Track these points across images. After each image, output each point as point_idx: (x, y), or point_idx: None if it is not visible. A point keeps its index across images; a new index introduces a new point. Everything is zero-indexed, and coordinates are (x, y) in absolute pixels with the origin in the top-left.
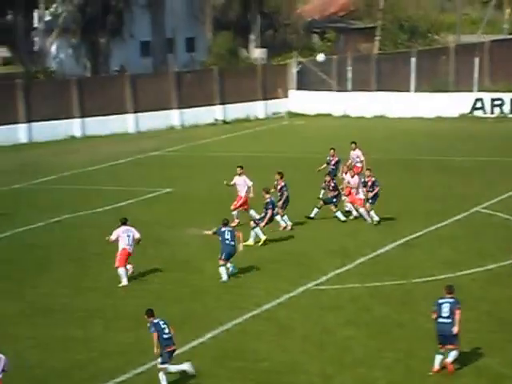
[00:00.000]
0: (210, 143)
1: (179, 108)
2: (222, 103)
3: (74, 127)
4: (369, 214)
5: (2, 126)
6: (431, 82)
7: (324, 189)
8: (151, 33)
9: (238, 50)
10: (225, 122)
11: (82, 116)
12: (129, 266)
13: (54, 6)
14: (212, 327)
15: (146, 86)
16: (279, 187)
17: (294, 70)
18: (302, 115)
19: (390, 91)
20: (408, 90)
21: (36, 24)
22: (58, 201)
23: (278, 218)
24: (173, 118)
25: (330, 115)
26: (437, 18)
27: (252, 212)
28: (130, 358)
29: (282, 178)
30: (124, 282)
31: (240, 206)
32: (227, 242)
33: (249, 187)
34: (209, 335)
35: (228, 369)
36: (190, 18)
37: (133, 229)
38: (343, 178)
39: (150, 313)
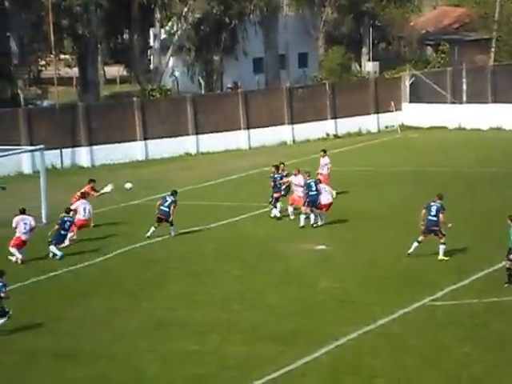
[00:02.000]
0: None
1: (291, 123)
2: (334, 117)
3: (188, 144)
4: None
5: (120, 143)
6: None
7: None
8: (264, 49)
9: (350, 64)
10: (336, 137)
11: (197, 133)
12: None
13: (170, 24)
14: (326, 342)
15: (258, 103)
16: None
17: (407, 83)
18: (416, 128)
19: (507, 103)
20: None
21: (152, 43)
22: (174, 216)
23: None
24: (285, 133)
25: (444, 128)
26: None
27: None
28: (247, 371)
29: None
30: (19, 258)
31: None
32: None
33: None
34: (323, 350)
35: None
36: (302, 34)
37: (30, 218)
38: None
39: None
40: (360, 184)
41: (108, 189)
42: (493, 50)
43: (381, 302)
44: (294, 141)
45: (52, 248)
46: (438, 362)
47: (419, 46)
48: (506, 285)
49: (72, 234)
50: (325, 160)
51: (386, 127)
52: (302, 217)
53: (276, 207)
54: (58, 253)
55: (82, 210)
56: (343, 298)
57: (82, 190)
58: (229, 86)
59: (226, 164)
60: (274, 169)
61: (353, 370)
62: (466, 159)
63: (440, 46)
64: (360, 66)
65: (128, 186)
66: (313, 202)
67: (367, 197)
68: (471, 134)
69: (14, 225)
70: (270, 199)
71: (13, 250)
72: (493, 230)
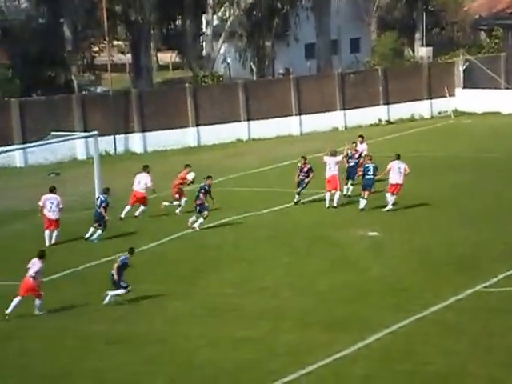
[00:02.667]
0: (374, 144)
1: (343, 109)
2: (387, 103)
3: (240, 130)
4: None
5: (173, 129)
6: None
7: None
8: (316, 35)
9: (402, 50)
10: (389, 122)
11: (248, 119)
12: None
13: (222, 10)
14: (377, 329)
15: (310, 88)
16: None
17: (460, 68)
18: (469, 114)
19: None
20: None
21: (204, 29)
22: (227, 202)
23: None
24: (336, 119)
25: (498, 113)
26: None
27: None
28: (298, 358)
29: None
30: (47, 243)
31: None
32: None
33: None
34: (374, 337)
35: (394, 371)
36: (354, 19)
37: (57, 197)
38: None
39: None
40: (413, 170)
41: (191, 177)
42: None
43: (433, 288)
44: (345, 127)
45: (90, 229)
46: (490, 349)
47: (472, 31)
48: None
49: (128, 207)
50: (363, 146)
51: (439, 113)
52: (362, 200)
53: (300, 194)
54: (89, 234)
55: (136, 182)
56: (395, 285)
57: (181, 175)
58: (280, 71)
59: (277, 150)
60: (302, 160)
61: (405, 356)
62: None
63: (493, 31)
64: (413, 51)
65: (191, 176)
66: (367, 185)
67: (420, 183)
68: None
69: (40, 203)
70: (304, 186)
71: (46, 232)
72: None
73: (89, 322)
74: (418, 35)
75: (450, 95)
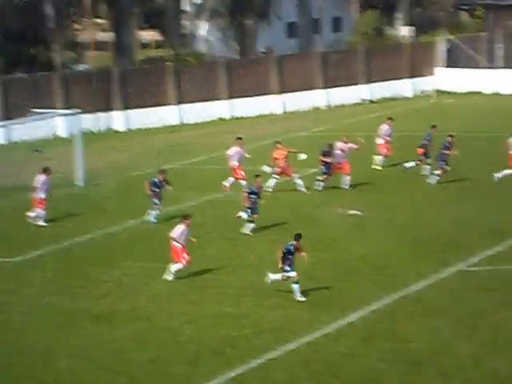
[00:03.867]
0: (356, 123)
1: (325, 88)
2: (368, 82)
3: (222, 109)
4: None
5: (154, 107)
6: None
7: None
8: (297, 14)
9: (384, 29)
10: (371, 102)
11: (230, 97)
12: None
13: None
14: (360, 307)
15: (291, 67)
16: None
17: (443, 48)
18: (451, 93)
19: None
20: None
21: (186, 7)
22: (209, 181)
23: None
24: (318, 98)
25: (479, 93)
26: None
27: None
28: (281, 335)
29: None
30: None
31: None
32: None
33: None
34: (357, 315)
35: (377, 349)
36: None
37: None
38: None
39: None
40: (394, 150)
41: (303, 156)
42: None
43: (416, 267)
44: (328, 106)
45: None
46: (473, 327)
47: (454, 11)
48: None
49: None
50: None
51: (422, 92)
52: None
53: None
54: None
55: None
56: (377, 263)
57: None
58: (262, 50)
59: (259, 129)
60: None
61: (387, 334)
62: (502, 125)
63: (475, 10)
64: (395, 30)
65: (303, 156)
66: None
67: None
68: (507, 100)
69: None
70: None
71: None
72: None
73: (73, 298)
74: (399, 15)
75: (431, 74)
